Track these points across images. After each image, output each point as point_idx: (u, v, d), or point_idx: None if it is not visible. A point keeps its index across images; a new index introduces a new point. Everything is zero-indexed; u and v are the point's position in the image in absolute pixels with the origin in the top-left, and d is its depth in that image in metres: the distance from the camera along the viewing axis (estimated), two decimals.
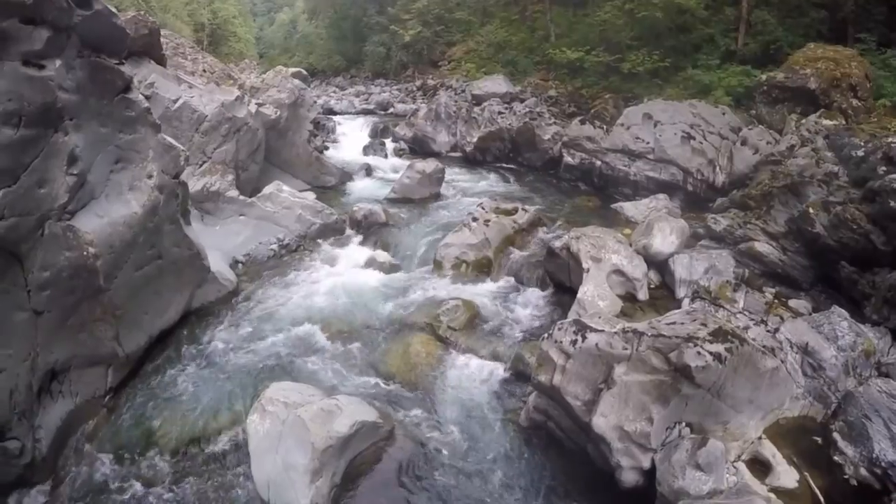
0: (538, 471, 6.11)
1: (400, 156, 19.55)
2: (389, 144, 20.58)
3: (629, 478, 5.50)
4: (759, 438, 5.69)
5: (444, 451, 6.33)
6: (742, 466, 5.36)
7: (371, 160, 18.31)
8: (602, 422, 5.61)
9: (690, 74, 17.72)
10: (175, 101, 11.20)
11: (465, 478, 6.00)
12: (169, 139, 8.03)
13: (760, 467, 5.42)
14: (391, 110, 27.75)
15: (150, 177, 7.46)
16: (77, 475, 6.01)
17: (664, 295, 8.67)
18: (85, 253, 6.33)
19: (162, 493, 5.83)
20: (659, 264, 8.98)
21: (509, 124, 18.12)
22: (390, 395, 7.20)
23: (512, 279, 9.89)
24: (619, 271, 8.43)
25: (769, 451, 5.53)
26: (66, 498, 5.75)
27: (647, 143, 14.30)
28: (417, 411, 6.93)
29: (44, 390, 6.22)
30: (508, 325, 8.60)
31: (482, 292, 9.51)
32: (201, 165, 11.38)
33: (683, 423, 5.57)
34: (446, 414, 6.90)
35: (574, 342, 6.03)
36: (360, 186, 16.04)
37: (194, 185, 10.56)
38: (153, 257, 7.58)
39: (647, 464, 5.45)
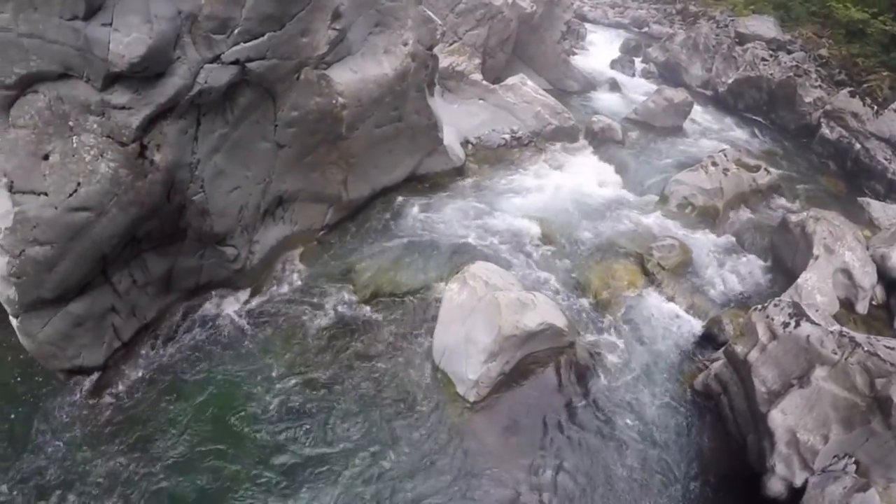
0: (689, 439, 5.78)
1: (647, 78, 18.12)
2: (638, 64, 19.09)
3: (776, 487, 5.08)
4: None
5: (610, 384, 6.16)
6: None
7: (617, 76, 17.19)
8: (779, 418, 5.15)
9: None
10: None
11: (617, 417, 5.83)
12: (428, 12, 8.23)
13: None
14: (645, 29, 25.46)
15: (405, 44, 7.78)
16: (276, 290, 6.84)
17: (882, 317, 7.62)
18: (334, 101, 6.90)
19: (345, 328, 6.39)
20: (890, 282, 7.90)
21: (771, 74, 15.62)
22: (581, 310, 7.03)
23: (733, 238, 8.98)
24: (846, 271, 7.53)
25: None
26: (260, 306, 6.57)
27: None
28: (601, 334, 6.75)
29: (269, 213, 7.07)
30: (716, 283, 7.91)
31: (700, 241, 8.72)
32: (451, 44, 11.54)
33: (852, 459, 4.96)
34: (627, 348, 6.63)
35: (785, 325, 5.51)
36: (601, 99, 15.24)
37: (442, 62, 10.73)
38: (394, 119, 7.99)
39: (799, 481, 4.98)
